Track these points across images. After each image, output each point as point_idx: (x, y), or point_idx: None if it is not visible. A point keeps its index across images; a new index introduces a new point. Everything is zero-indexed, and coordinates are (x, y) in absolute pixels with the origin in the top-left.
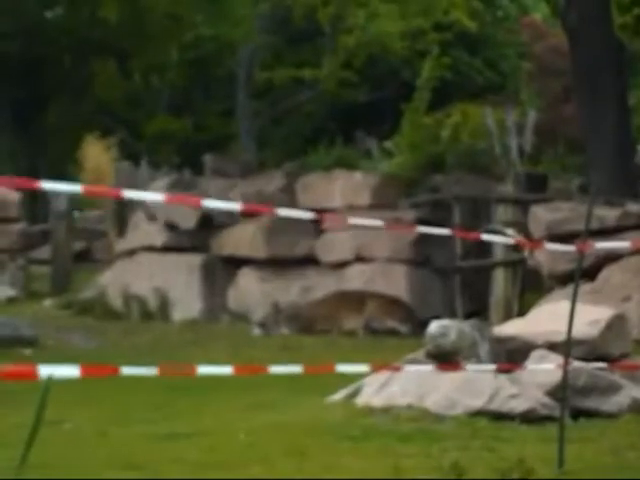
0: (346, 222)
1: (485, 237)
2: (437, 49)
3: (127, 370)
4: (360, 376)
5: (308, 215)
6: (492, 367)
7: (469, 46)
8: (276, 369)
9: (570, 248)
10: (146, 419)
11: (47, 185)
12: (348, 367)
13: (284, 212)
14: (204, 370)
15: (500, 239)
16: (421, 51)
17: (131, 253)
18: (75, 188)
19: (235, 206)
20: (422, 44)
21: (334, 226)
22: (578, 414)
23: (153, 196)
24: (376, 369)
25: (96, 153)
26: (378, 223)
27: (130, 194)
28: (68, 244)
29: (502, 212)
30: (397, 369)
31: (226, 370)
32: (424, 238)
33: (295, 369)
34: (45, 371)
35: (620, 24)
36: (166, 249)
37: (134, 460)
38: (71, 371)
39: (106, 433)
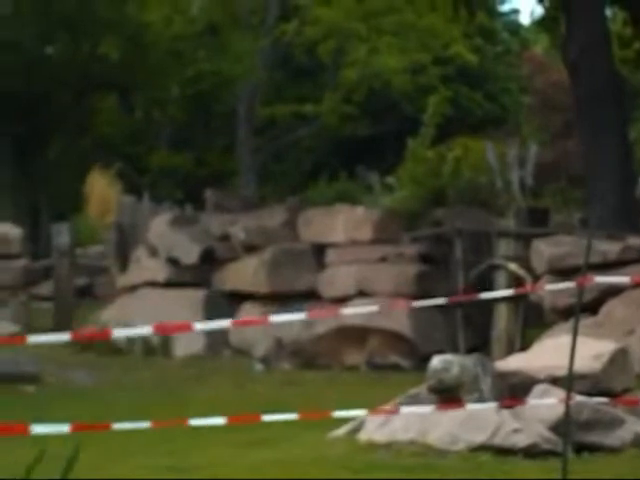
0: None
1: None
2: (442, 86)
3: (119, 426)
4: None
5: None
6: (494, 404)
7: (470, 80)
8: (270, 417)
9: (570, 285)
10: (145, 453)
11: None
12: (344, 412)
13: None
14: (197, 422)
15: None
16: (422, 85)
17: (133, 289)
18: None
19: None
20: (423, 78)
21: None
22: (581, 449)
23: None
24: (374, 413)
25: (101, 186)
26: None
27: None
28: (70, 280)
29: (504, 246)
30: (394, 412)
31: (219, 421)
32: (426, 273)
33: (290, 416)
34: (37, 429)
35: (621, 58)
36: (168, 284)
37: None
38: (61, 428)
39: (105, 467)
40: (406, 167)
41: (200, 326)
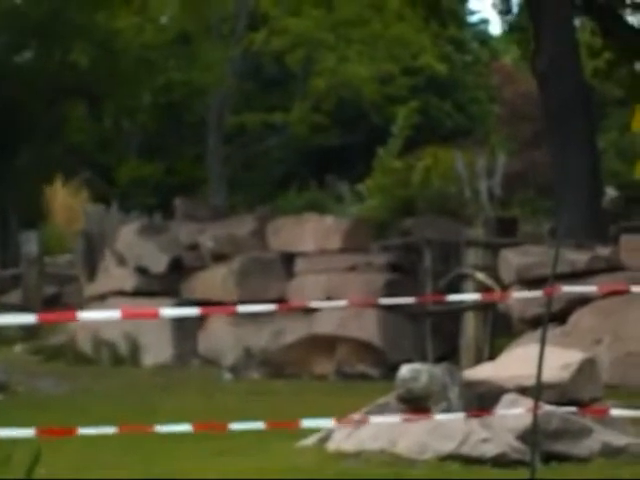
0: None
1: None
2: (411, 96)
3: (84, 431)
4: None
5: None
6: (462, 414)
7: (439, 90)
8: (237, 426)
9: (537, 294)
10: (116, 463)
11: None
12: (312, 422)
13: None
14: (163, 429)
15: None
16: (391, 95)
17: (101, 298)
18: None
19: None
20: (392, 89)
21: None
22: (549, 458)
23: None
24: (341, 423)
25: (64, 195)
26: None
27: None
28: (39, 289)
29: (472, 256)
30: (363, 422)
31: (185, 428)
32: (395, 282)
33: (257, 425)
34: (2, 433)
35: (592, 69)
36: (136, 294)
37: None
38: (26, 432)
39: (70, 476)
40: (375, 177)
41: (168, 312)
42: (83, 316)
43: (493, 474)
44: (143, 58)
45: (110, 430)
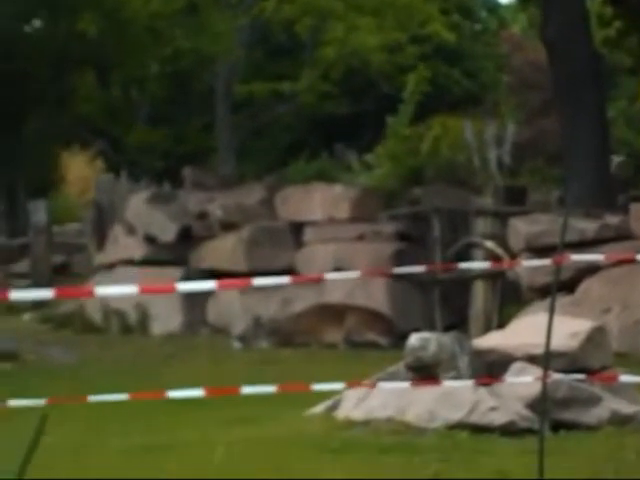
0: None
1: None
2: (420, 64)
3: (96, 398)
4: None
5: None
6: (470, 382)
7: (447, 58)
8: (249, 389)
9: (546, 262)
10: (122, 432)
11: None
12: (323, 386)
13: None
14: (175, 394)
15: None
16: (400, 64)
17: (110, 267)
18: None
19: None
20: (400, 57)
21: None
22: (558, 426)
23: None
24: (351, 386)
25: (80, 165)
26: None
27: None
28: (47, 258)
29: (481, 225)
30: (372, 386)
31: (197, 393)
32: (403, 251)
33: (269, 389)
34: (14, 403)
35: (603, 38)
36: (145, 262)
37: (110, 473)
38: (38, 402)
39: (84, 446)
40: (385, 145)
41: (184, 287)
42: (100, 291)
43: (502, 442)
44: (151, 27)
45: (121, 397)
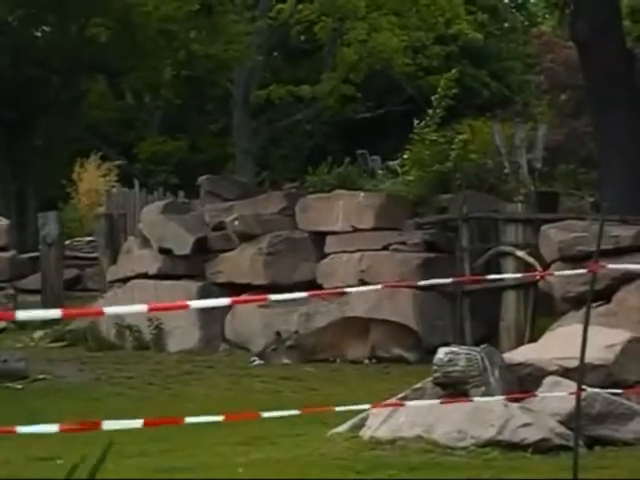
0: None
1: None
2: (445, 65)
3: (109, 425)
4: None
5: None
6: (501, 398)
7: (474, 59)
8: (270, 414)
9: (581, 271)
10: (140, 452)
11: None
12: (346, 407)
13: None
14: (192, 420)
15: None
16: (423, 66)
17: (124, 281)
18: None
19: None
20: (425, 58)
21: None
22: (593, 443)
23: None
24: (377, 407)
25: (91, 176)
26: None
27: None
28: (59, 272)
29: (512, 233)
30: (399, 405)
31: (215, 419)
32: (431, 261)
33: (291, 413)
34: (24, 430)
35: (637, 34)
36: (160, 276)
37: None
38: (49, 428)
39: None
40: (413, 150)
41: (197, 304)
42: (109, 311)
43: (535, 460)
44: (163, 31)
45: (136, 424)
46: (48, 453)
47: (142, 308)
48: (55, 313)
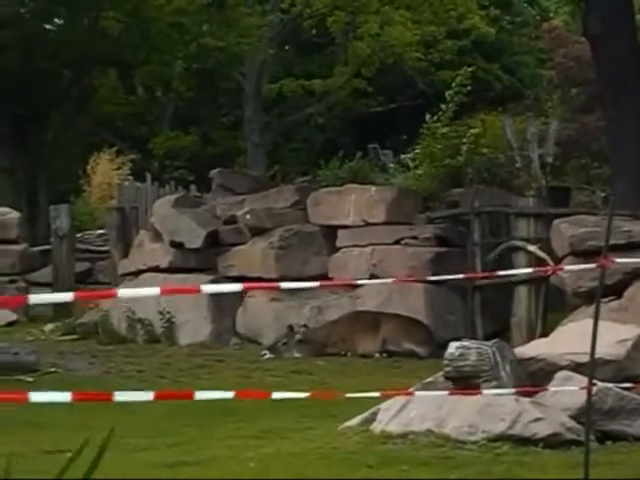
0: None
1: None
2: (457, 60)
3: (121, 396)
4: (375, 401)
5: None
6: (512, 391)
7: (486, 53)
8: (280, 395)
9: (592, 266)
10: (149, 447)
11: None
12: (357, 394)
13: None
14: (202, 395)
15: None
16: (435, 60)
17: (136, 274)
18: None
19: None
20: (437, 52)
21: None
22: (604, 437)
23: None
24: (387, 396)
25: (103, 169)
26: None
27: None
28: (70, 265)
29: (524, 227)
30: (409, 394)
31: (226, 395)
32: (442, 255)
33: (300, 395)
34: (35, 398)
35: None
36: (172, 270)
37: None
38: (63, 397)
39: (108, 462)
40: (424, 145)
41: (209, 288)
42: (122, 293)
43: (546, 455)
44: (175, 23)
45: (147, 396)
46: (56, 446)
47: (154, 291)
48: (67, 296)
